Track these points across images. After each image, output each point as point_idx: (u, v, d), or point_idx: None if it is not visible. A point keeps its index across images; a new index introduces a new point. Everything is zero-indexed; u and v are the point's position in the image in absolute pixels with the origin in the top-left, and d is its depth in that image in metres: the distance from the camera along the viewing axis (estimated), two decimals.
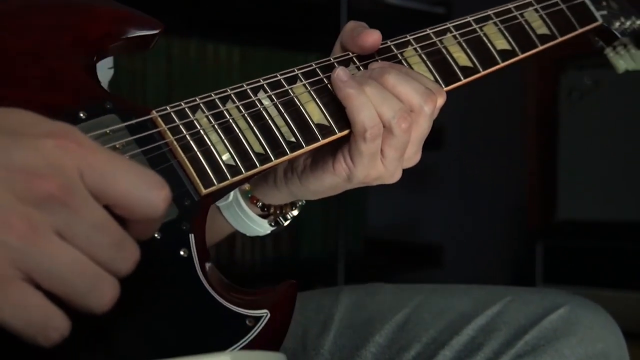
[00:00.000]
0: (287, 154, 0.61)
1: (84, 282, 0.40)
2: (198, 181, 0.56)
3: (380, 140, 0.64)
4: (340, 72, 0.64)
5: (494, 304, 0.79)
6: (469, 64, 0.73)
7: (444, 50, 0.72)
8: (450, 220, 2.43)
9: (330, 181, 0.68)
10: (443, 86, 0.70)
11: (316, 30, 2.05)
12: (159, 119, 0.56)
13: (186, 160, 0.56)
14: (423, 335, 0.79)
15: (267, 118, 0.61)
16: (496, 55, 0.75)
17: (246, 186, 0.76)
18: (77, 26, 0.57)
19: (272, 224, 0.77)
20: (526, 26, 0.78)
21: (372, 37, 0.67)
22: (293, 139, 0.62)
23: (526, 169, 2.49)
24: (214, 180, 0.57)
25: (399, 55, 0.70)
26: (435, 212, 2.44)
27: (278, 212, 0.77)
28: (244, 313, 0.54)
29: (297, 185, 0.71)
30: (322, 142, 0.63)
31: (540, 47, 0.79)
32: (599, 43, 0.92)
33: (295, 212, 0.78)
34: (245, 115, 0.60)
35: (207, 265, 0.55)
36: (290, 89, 0.64)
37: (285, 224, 0.78)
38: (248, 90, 0.62)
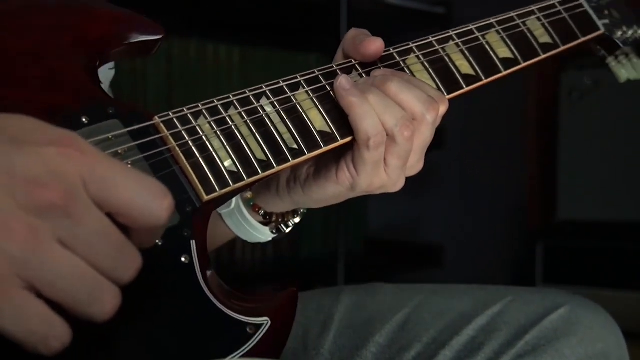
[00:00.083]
0: (289, 160, 0.61)
1: (86, 291, 0.40)
2: (200, 187, 0.56)
3: (384, 149, 0.63)
4: (342, 80, 0.64)
5: (494, 304, 0.79)
6: (472, 72, 0.72)
7: (446, 58, 0.72)
8: (450, 221, 2.43)
9: (334, 190, 0.68)
10: (445, 94, 0.70)
11: (316, 30, 2.05)
12: (162, 124, 0.56)
13: (188, 166, 0.56)
14: (423, 335, 0.79)
15: (270, 125, 0.61)
16: (498, 64, 0.75)
17: (248, 194, 0.76)
18: (78, 28, 0.57)
19: (274, 231, 0.77)
20: (528, 35, 0.78)
21: (375, 45, 0.67)
22: (295, 146, 0.62)
23: (526, 169, 2.49)
24: (216, 187, 0.56)
25: (401, 62, 0.70)
26: (435, 213, 2.44)
27: (280, 219, 0.77)
28: (245, 320, 0.54)
29: (300, 194, 0.71)
30: (324, 149, 0.63)
31: (543, 56, 0.79)
32: (601, 52, 0.92)
33: (297, 220, 0.78)
34: (248, 121, 0.60)
35: (208, 272, 0.55)
36: (293, 95, 0.64)
37: (287, 231, 0.78)
38: (251, 96, 0.62)
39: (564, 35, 0.81)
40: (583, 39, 0.84)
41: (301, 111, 0.63)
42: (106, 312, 0.41)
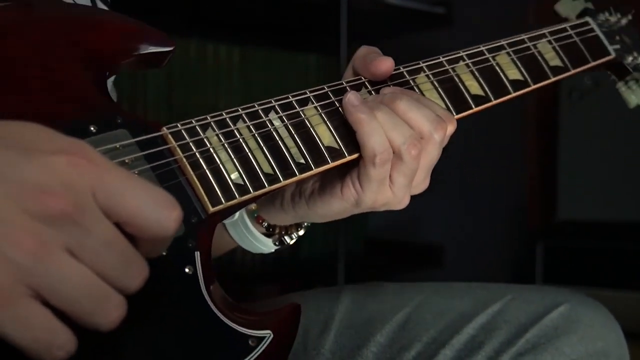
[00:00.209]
0: (296, 175, 0.61)
1: (92, 300, 0.40)
2: (206, 199, 0.56)
3: (390, 166, 0.63)
4: (351, 97, 0.64)
5: (494, 302, 0.79)
6: (481, 93, 0.73)
7: (456, 78, 0.72)
8: (450, 221, 2.43)
9: (338, 206, 0.68)
10: (454, 114, 0.70)
11: (316, 30, 2.05)
12: (170, 135, 0.56)
13: (195, 177, 0.56)
14: (424, 334, 0.79)
15: (277, 139, 0.61)
16: (508, 85, 0.75)
17: (252, 206, 0.76)
18: (87, 40, 0.57)
19: (277, 243, 0.77)
20: (539, 57, 0.79)
21: (385, 65, 0.67)
22: (302, 161, 0.62)
23: (526, 169, 2.49)
24: (222, 199, 0.56)
25: (411, 81, 0.70)
26: (435, 212, 2.43)
27: (283, 232, 0.77)
28: (247, 333, 0.54)
29: (305, 209, 0.71)
30: (331, 164, 0.63)
31: (553, 79, 0.79)
32: (611, 77, 0.93)
33: (301, 232, 0.78)
34: (256, 135, 0.60)
35: (212, 283, 0.55)
36: (302, 110, 0.64)
37: (291, 243, 0.78)
38: (259, 110, 0.62)
39: (575, 59, 0.82)
40: (594, 63, 0.85)
41: (309, 126, 0.63)
42: (111, 321, 0.41)
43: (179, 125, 0.57)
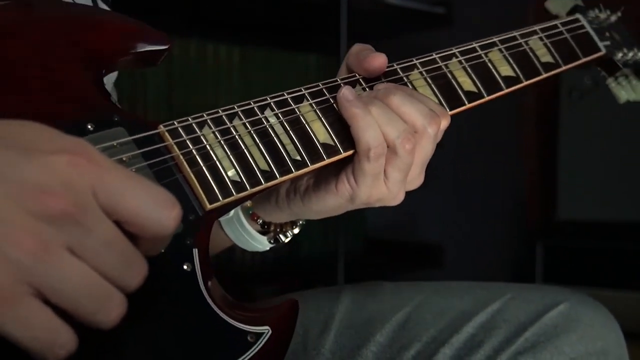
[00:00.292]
0: (292, 172, 0.61)
1: (93, 299, 0.40)
2: (203, 196, 0.56)
3: (384, 160, 0.64)
4: (346, 92, 0.64)
5: (494, 301, 0.79)
6: (474, 89, 0.73)
7: (449, 75, 0.73)
8: (450, 220, 2.43)
9: (333, 202, 0.68)
10: (447, 110, 0.70)
11: (316, 30, 2.05)
12: (166, 133, 0.56)
13: (192, 174, 0.56)
14: (424, 334, 0.79)
15: (273, 135, 0.62)
16: (500, 81, 0.76)
17: (247, 203, 0.76)
18: (84, 38, 0.57)
19: (272, 241, 0.78)
20: (530, 54, 0.79)
21: (378, 61, 0.68)
22: (298, 157, 0.62)
23: (526, 169, 2.49)
24: (219, 196, 0.57)
25: (404, 78, 0.71)
26: (435, 212, 2.44)
27: (278, 229, 0.77)
28: (246, 329, 0.55)
29: (300, 205, 0.71)
30: (327, 161, 0.63)
31: (544, 75, 0.80)
32: (602, 73, 0.94)
33: (296, 231, 0.78)
34: (252, 131, 0.61)
35: (210, 280, 0.55)
36: (297, 107, 0.64)
37: (286, 241, 0.78)
38: (255, 107, 0.62)
39: (566, 55, 0.83)
40: (584, 60, 0.86)
41: (304, 123, 0.64)
42: (112, 319, 0.41)
43: (175, 123, 0.57)
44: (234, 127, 0.60)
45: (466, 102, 0.72)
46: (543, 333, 0.74)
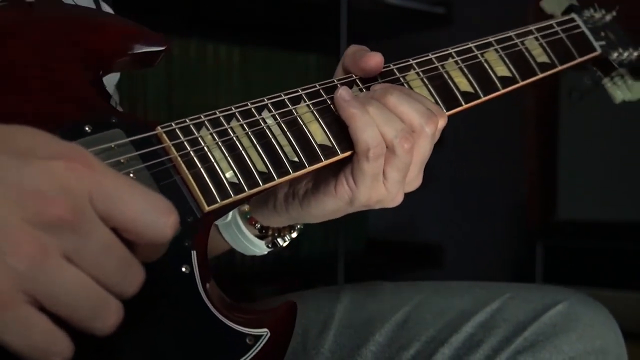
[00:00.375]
0: (290, 173, 0.61)
1: (90, 306, 0.40)
2: (201, 198, 0.56)
3: (383, 160, 0.63)
4: (343, 92, 0.64)
5: (493, 301, 0.79)
6: (470, 90, 0.73)
7: (445, 75, 0.73)
8: (450, 220, 2.43)
9: (332, 204, 0.68)
10: (444, 111, 0.70)
11: (316, 30, 2.05)
12: (164, 135, 0.56)
13: (190, 176, 0.56)
14: (423, 334, 0.79)
15: (270, 136, 0.62)
16: (497, 82, 0.76)
17: (245, 207, 0.76)
18: (82, 39, 0.57)
19: (269, 245, 0.77)
20: (526, 54, 0.79)
21: (374, 60, 0.68)
22: (296, 159, 0.62)
23: (526, 169, 2.49)
24: (217, 198, 0.57)
25: (401, 78, 0.71)
26: (435, 212, 2.44)
27: (276, 234, 0.77)
28: (244, 331, 0.55)
29: (298, 209, 0.71)
30: (325, 162, 0.63)
31: (540, 75, 0.80)
32: (597, 73, 0.94)
33: (294, 235, 0.78)
34: (249, 133, 0.61)
35: (208, 282, 0.55)
36: (294, 108, 0.64)
37: (284, 245, 0.78)
38: (252, 108, 0.62)
39: (562, 55, 0.83)
40: (580, 60, 0.86)
41: (302, 124, 0.63)
42: (109, 326, 0.41)
43: (173, 124, 0.57)
44: (231, 128, 0.60)
45: (463, 103, 0.72)
46: (542, 332, 0.74)
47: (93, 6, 0.72)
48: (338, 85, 0.67)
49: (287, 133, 0.62)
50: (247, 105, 0.62)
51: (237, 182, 0.58)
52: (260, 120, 0.62)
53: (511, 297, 0.79)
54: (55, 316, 0.40)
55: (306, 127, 0.64)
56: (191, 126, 0.58)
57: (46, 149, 0.41)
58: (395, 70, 0.71)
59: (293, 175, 0.61)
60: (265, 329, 0.55)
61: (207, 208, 0.56)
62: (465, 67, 0.74)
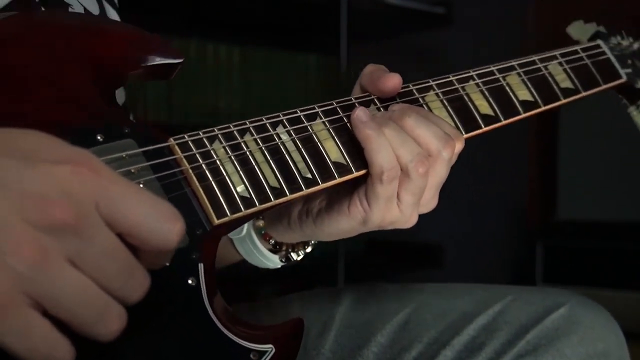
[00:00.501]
0: (303, 189, 0.60)
1: (93, 310, 0.40)
2: (211, 211, 0.55)
3: (397, 183, 0.63)
4: (360, 113, 0.63)
5: (495, 303, 0.79)
6: (491, 113, 0.72)
7: (465, 97, 0.72)
8: (450, 221, 2.42)
9: (345, 224, 0.67)
10: (463, 133, 0.70)
11: (316, 30, 2.05)
12: (176, 146, 0.56)
13: (200, 189, 0.55)
14: (424, 335, 0.79)
15: (284, 152, 0.61)
16: (518, 106, 0.74)
17: (260, 222, 0.76)
18: (95, 50, 0.56)
19: (283, 259, 0.77)
20: (549, 79, 0.78)
21: (392, 82, 0.67)
22: (309, 175, 0.61)
23: (526, 169, 2.49)
24: (227, 211, 0.56)
25: (420, 99, 0.70)
26: (435, 213, 2.43)
27: (290, 249, 0.77)
28: (249, 347, 0.54)
29: (312, 227, 0.70)
30: (338, 180, 0.63)
31: (563, 101, 0.78)
32: (623, 101, 0.92)
33: (308, 250, 0.77)
34: (263, 148, 0.60)
35: (215, 295, 0.54)
36: (310, 125, 0.63)
37: (298, 259, 0.77)
38: (267, 124, 0.61)
39: (586, 82, 0.81)
40: (605, 87, 0.84)
41: (317, 141, 0.63)
42: (112, 331, 0.41)
43: (185, 136, 0.57)
44: (245, 142, 0.59)
45: (482, 126, 0.72)
46: (544, 336, 0.74)
47: (97, 9, 0.72)
48: (356, 104, 0.66)
49: (302, 150, 0.62)
50: (262, 120, 0.61)
51: (248, 196, 0.58)
52: (275, 136, 0.61)
53: (513, 299, 0.79)
54: (58, 321, 0.39)
55: (321, 145, 0.63)
56: (204, 139, 0.58)
57: (53, 152, 0.41)
58: (414, 91, 0.70)
59: (306, 191, 0.61)
60: (271, 345, 0.55)
61: (216, 221, 0.55)
62: (487, 90, 0.73)
